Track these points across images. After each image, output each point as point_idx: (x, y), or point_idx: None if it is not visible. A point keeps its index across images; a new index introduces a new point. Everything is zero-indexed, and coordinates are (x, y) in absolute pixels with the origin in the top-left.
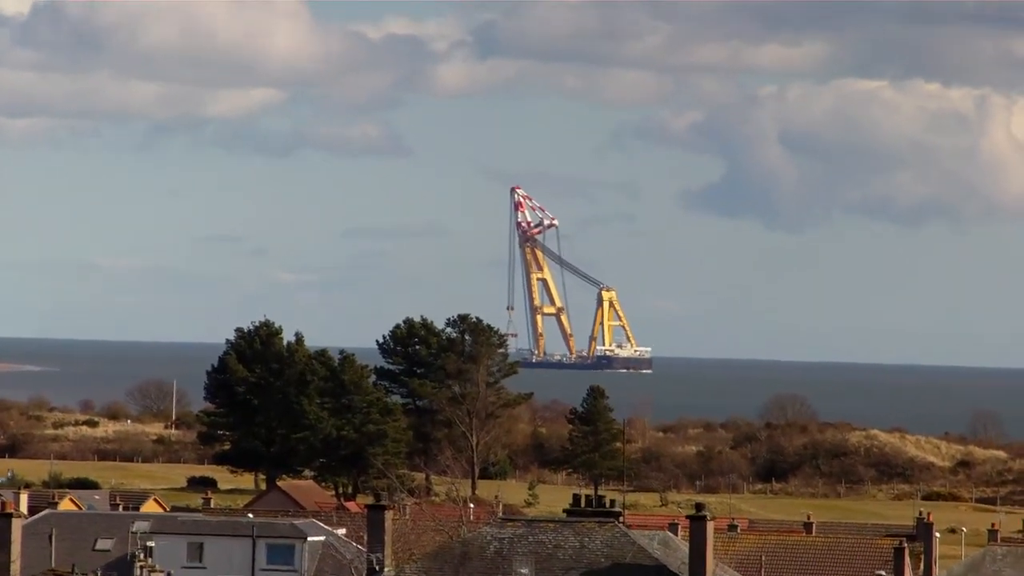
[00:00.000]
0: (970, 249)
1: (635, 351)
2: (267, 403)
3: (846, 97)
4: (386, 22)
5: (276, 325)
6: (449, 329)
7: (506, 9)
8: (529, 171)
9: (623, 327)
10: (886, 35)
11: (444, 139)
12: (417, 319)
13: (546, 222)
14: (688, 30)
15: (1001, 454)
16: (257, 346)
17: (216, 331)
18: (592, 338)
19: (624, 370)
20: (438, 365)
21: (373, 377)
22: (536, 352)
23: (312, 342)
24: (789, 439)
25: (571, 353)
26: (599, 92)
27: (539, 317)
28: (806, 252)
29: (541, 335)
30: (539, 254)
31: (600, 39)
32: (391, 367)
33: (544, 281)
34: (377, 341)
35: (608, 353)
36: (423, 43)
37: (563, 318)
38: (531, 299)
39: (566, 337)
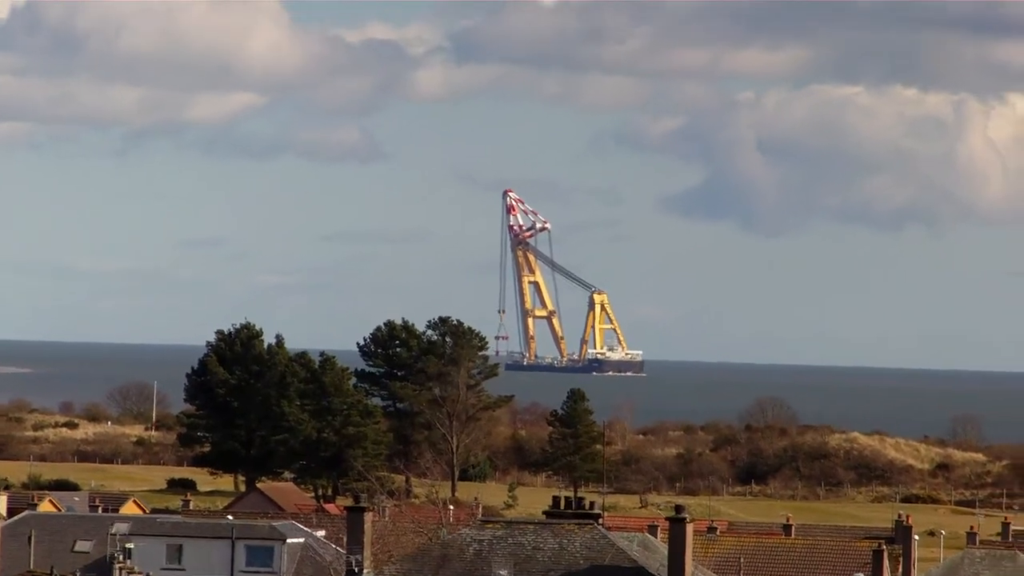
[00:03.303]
0: (948, 253)
1: (626, 354)
2: (247, 405)
3: (825, 102)
4: (366, 27)
5: (256, 327)
6: (430, 332)
7: (485, 14)
8: (508, 176)
9: (615, 330)
10: (864, 40)
11: (423, 144)
12: (398, 322)
13: (538, 225)
14: (667, 35)
15: (980, 457)
16: (237, 348)
17: (197, 334)
18: (583, 341)
19: (615, 373)
20: (419, 368)
21: (354, 379)
22: (527, 355)
23: (293, 345)
24: (769, 442)
25: (562, 356)
26: (578, 97)
27: (530, 320)
28: (786, 257)
29: (532, 338)
30: (531, 257)
31: (579, 44)
32: (372, 369)
33: (536, 284)
34: (358, 344)
35: (599, 356)
36: (402, 48)
37: (554, 321)
38: (522, 302)
39: (557, 340)
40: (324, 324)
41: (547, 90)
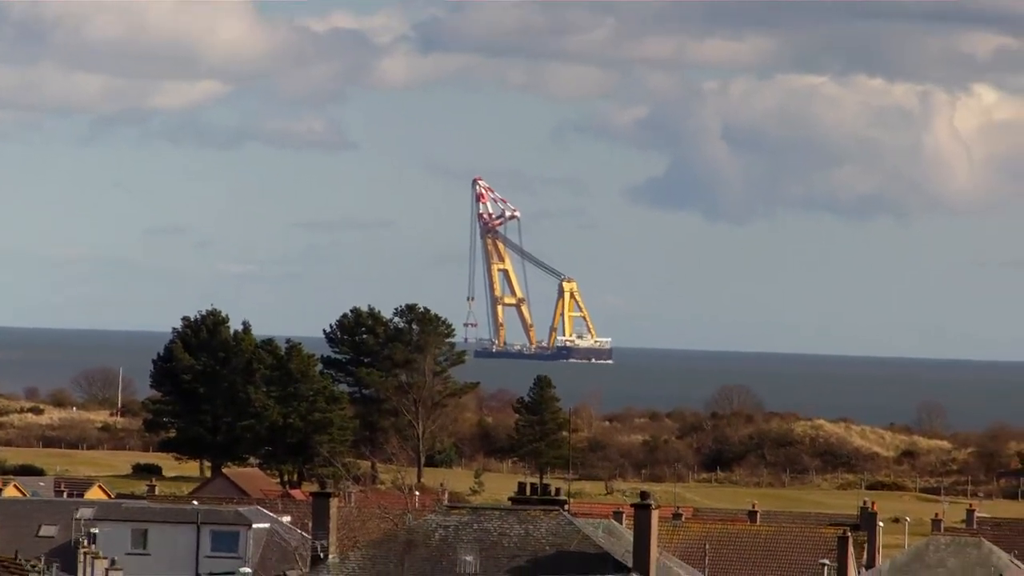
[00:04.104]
0: (913, 243)
1: (595, 342)
2: (213, 391)
3: (790, 92)
4: (331, 15)
5: (223, 314)
6: (396, 319)
7: (450, 3)
8: (474, 165)
9: (584, 318)
10: (828, 30)
11: (389, 133)
12: (364, 309)
13: (507, 213)
14: (632, 24)
15: (945, 444)
16: (203, 335)
17: (162, 321)
18: (552, 329)
19: (584, 360)
20: (385, 354)
21: (320, 366)
22: (496, 342)
23: (260, 332)
24: (735, 429)
25: (531, 344)
26: (543, 86)
27: (500, 307)
28: (752, 245)
29: (502, 325)
30: (500, 245)
31: (544, 33)
32: (338, 356)
33: (505, 272)
34: (324, 330)
35: (568, 343)
36: (367, 37)
37: (523, 309)
38: (492, 290)
39: (526, 328)
40: (290, 312)
41: (512, 79)
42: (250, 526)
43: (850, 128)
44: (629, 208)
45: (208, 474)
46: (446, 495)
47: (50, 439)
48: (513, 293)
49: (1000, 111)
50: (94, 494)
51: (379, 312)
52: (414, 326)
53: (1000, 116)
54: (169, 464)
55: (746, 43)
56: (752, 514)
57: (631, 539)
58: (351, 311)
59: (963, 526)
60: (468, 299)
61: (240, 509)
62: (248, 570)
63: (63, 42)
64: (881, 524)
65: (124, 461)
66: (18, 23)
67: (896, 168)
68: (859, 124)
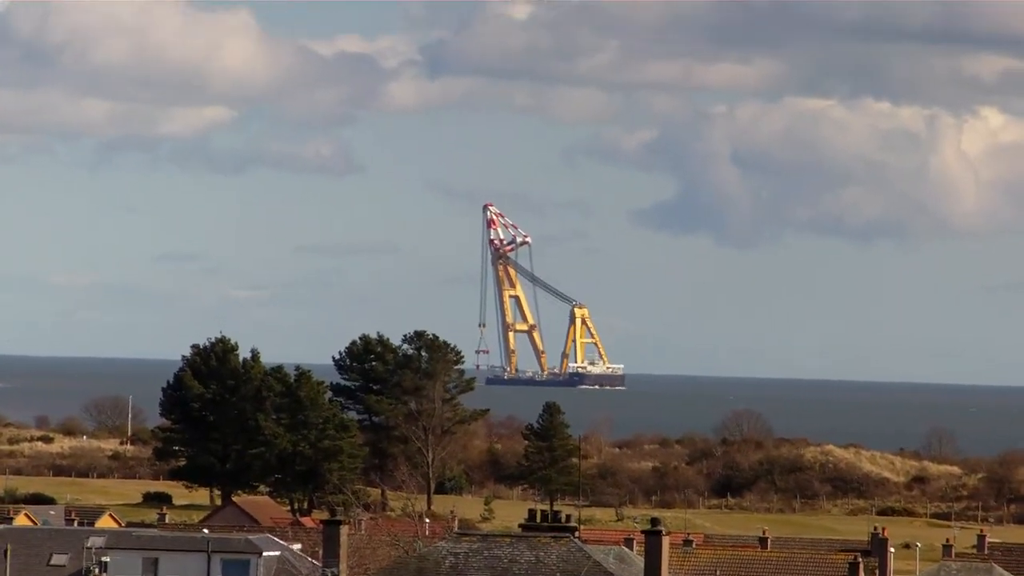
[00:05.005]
0: (921, 266)
1: (607, 368)
2: (223, 419)
3: (796, 115)
4: (337, 40)
5: (232, 341)
6: (406, 346)
7: (456, 27)
8: (482, 189)
9: (595, 344)
10: (835, 53)
11: (396, 157)
12: (373, 336)
13: (519, 239)
14: (639, 48)
15: (955, 470)
16: (213, 363)
17: (170, 348)
18: (564, 355)
19: (597, 387)
20: (394, 381)
21: (329, 393)
22: (508, 369)
23: (269, 359)
24: (745, 455)
25: (543, 370)
26: (550, 110)
27: (511, 334)
28: (760, 269)
29: (513, 352)
30: (512, 271)
31: (550, 56)
32: (347, 383)
33: (516, 298)
34: (333, 357)
35: (580, 370)
36: (374, 61)
37: (535, 335)
38: (503, 316)
39: (538, 354)
40: (299, 338)
41: (519, 103)
42: (260, 554)
43: (857, 151)
44: (636, 232)
45: (218, 502)
46: (456, 522)
47: (60, 468)
48: (524, 319)
49: (1007, 134)
50: (105, 523)
51: (388, 339)
52: (423, 353)
53: (1007, 139)
54: (179, 492)
55: (753, 66)
56: (763, 540)
57: (642, 565)
58: (360, 338)
59: (974, 552)
60: (479, 326)
61: (250, 537)
62: None
63: (70, 67)
64: (892, 550)
65: (134, 489)
66: (25, 47)
67: (903, 191)
68: (866, 147)
